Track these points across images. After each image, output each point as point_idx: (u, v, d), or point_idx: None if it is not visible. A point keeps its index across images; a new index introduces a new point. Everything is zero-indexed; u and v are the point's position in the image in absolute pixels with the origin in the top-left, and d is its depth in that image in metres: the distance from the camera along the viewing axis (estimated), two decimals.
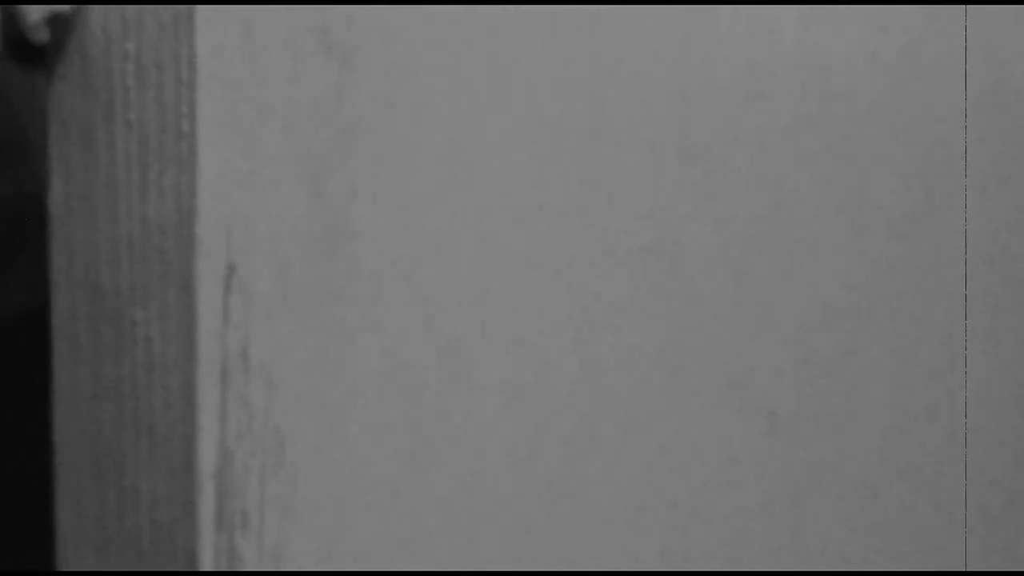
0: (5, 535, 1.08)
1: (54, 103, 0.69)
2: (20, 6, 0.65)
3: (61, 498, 0.72)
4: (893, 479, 1.14)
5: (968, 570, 1.22)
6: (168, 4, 0.65)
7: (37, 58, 0.70)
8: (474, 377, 0.80)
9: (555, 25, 0.82)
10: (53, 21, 0.67)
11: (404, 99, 0.75)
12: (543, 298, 0.84)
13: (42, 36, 0.67)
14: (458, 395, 0.79)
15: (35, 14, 0.66)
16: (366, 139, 0.73)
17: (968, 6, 1.10)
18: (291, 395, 0.71)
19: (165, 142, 0.66)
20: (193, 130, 0.65)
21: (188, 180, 0.66)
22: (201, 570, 0.69)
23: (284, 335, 0.70)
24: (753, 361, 1.00)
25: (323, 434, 0.73)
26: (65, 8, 0.66)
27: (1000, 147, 1.15)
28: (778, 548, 1.04)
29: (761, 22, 0.96)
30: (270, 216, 0.69)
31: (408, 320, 0.76)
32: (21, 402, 1.04)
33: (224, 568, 0.69)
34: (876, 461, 1.12)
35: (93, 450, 0.70)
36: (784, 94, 0.99)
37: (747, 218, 0.98)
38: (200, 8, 0.65)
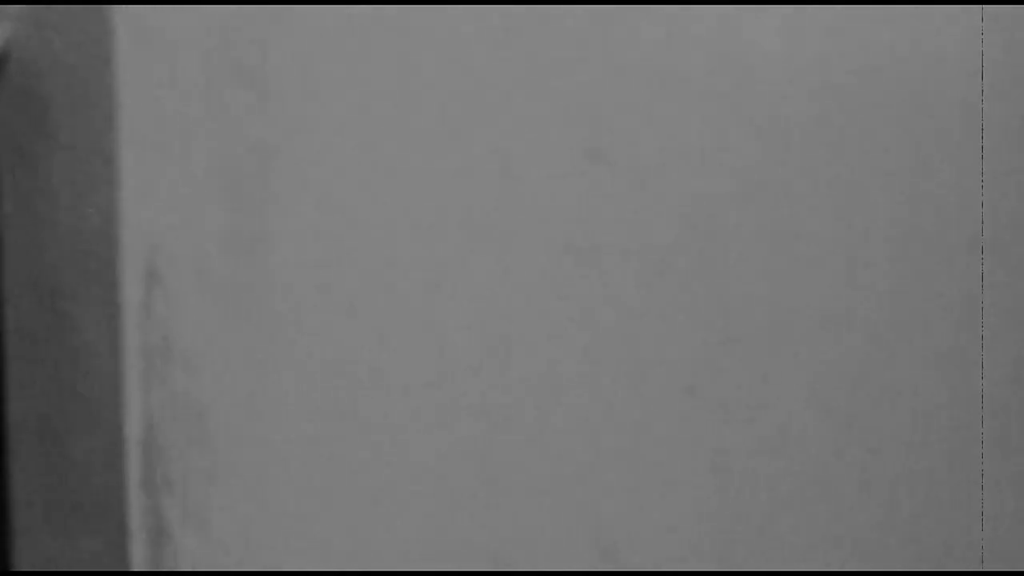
0: None
1: (2, 126, 0.81)
2: None
3: (14, 466, 0.84)
4: (810, 452, 1.21)
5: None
6: (93, 44, 0.77)
7: None
8: (386, 359, 0.91)
9: (459, 39, 0.92)
10: None
11: (314, 117, 0.86)
12: (454, 289, 0.94)
13: None
14: (370, 374, 0.90)
15: None
16: (279, 154, 0.84)
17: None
18: (212, 377, 0.82)
19: (93, 161, 0.78)
20: (116, 151, 0.77)
21: (111, 194, 0.77)
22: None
23: (204, 326, 0.82)
24: (671, 342, 1.09)
25: (243, 410, 0.84)
26: None
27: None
28: (699, 515, 1.13)
29: (679, 23, 1.04)
30: (189, 222, 0.81)
31: (321, 312, 0.87)
32: None
33: (150, 525, 0.81)
34: (796, 435, 1.20)
35: (40, 425, 0.82)
36: (699, 93, 1.07)
37: (664, 212, 1.07)
38: (121, 47, 0.76)
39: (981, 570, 1.28)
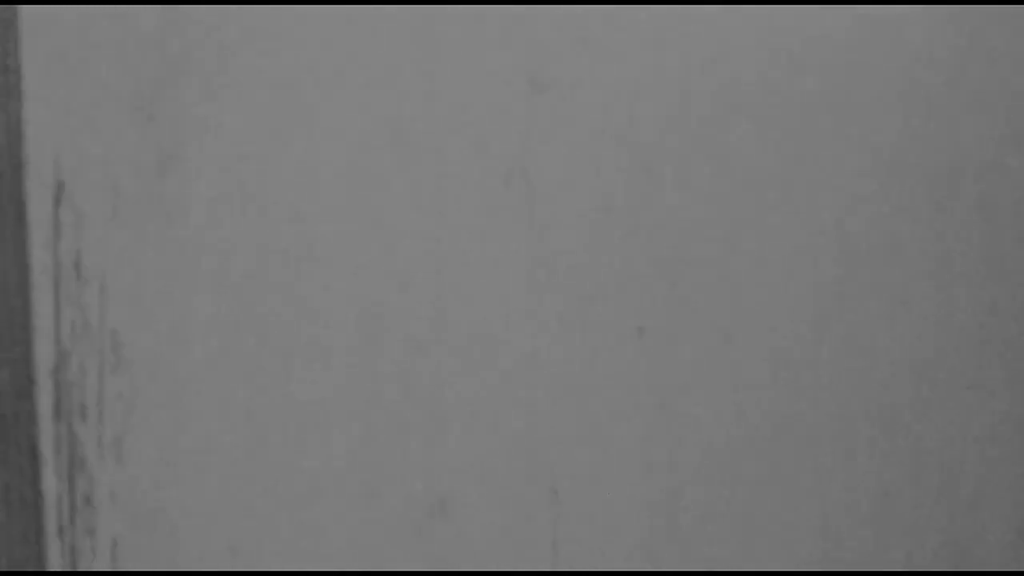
0: None
1: None
2: None
3: None
4: (758, 395, 1.19)
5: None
6: None
7: None
8: (307, 284, 0.88)
9: None
10: None
11: (232, 32, 0.83)
12: (383, 214, 0.92)
13: None
14: (291, 299, 0.87)
15: None
16: (195, 69, 0.81)
17: None
18: (127, 302, 0.79)
19: None
20: (18, 65, 0.74)
21: (15, 109, 0.74)
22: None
23: (117, 247, 0.79)
24: (618, 281, 1.07)
25: (161, 338, 0.81)
26: None
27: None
28: (645, 454, 1.11)
29: None
30: (99, 138, 0.77)
31: (240, 233, 0.84)
32: None
33: (65, 454, 0.78)
34: (745, 378, 1.18)
35: None
36: (652, 41, 1.05)
37: (610, 151, 1.04)
38: None
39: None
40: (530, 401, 1.04)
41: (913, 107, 1.22)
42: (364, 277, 0.91)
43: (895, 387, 1.23)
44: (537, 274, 1.02)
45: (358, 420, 0.93)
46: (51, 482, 0.78)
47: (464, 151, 0.96)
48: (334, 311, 0.90)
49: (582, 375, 1.06)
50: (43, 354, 0.77)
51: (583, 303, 1.05)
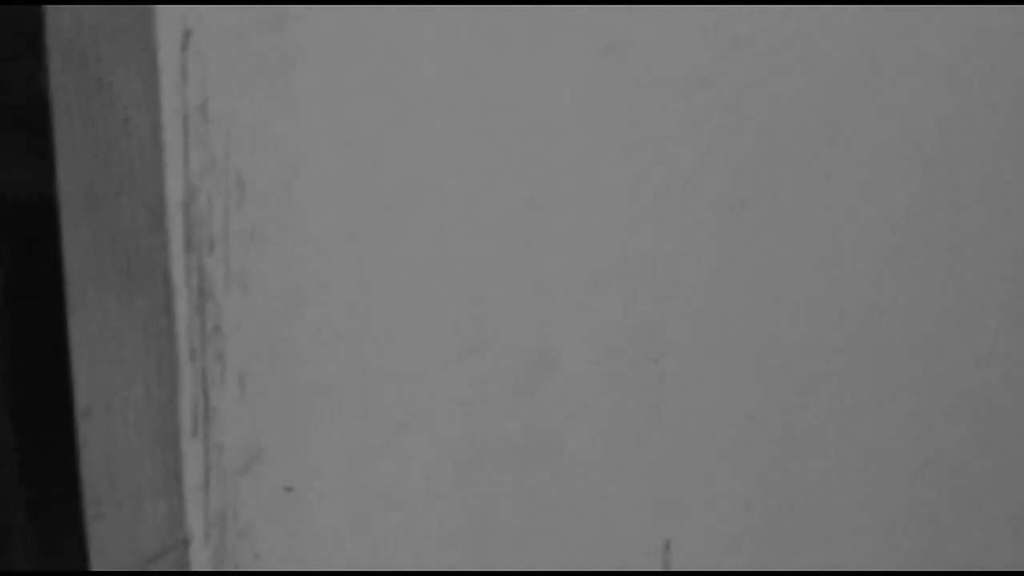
0: None
1: None
2: None
3: (67, 239, 0.87)
4: (854, 276, 1.22)
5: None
6: None
7: None
8: (411, 138, 0.94)
9: None
10: None
11: None
12: (487, 82, 0.97)
13: None
14: (398, 146, 0.93)
15: None
16: None
17: None
18: (249, 143, 0.86)
19: None
20: None
21: None
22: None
23: (239, 92, 0.85)
24: (716, 154, 1.11)
25: (280, 177, 0.88)
26: None
27: None
28: (735, 313, 1.15)
29: None
30: None
31: (352, 84, 0.90)
32: None
33: (195, 284, 0.84)
34: (843, 258, 1.21)
35: (88, 195, 0.86)
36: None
37: (699, 29, 1.08)
38: None
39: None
40: (629, 270, 1.09)
41: None
42: (472, 139, 0.97)
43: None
44: (635, 143, 1.06)
45: (466, 274, 0.98)
46: (183, 309, 0.84)
47: (564, 21, 1.00)
48: (442, 166, 0.95)
49: (679, 248, 1.11)
50: (174, 190, 0.83)
51: (679, 175, 1.09)
